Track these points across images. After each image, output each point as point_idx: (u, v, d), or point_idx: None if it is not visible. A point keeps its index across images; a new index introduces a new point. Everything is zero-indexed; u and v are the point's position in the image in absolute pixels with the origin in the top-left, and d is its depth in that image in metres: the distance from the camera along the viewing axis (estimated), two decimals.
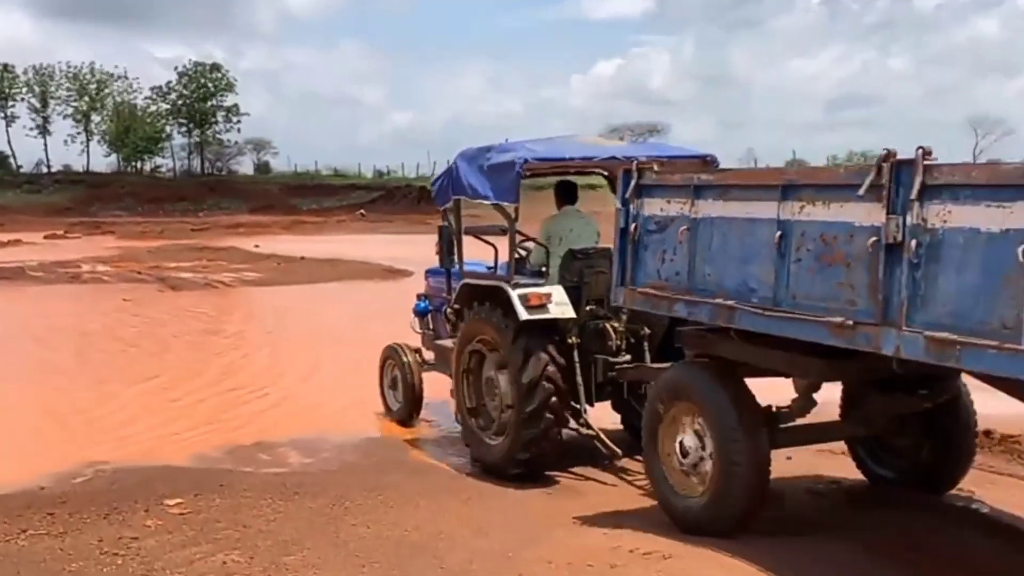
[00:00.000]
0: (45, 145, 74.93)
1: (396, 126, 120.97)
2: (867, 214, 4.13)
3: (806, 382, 5.03)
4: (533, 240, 7.56)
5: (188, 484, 6.71)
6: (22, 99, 74.34)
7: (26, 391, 10.54)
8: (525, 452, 6.72)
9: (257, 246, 32.66)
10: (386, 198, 56.57)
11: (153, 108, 76.47)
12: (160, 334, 14.49)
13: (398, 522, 5.83)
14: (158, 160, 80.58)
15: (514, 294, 6.71)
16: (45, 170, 73.81)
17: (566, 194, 7.63)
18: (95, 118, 75.89)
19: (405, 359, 8.56)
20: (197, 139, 78.01)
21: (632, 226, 5.57)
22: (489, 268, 7.70)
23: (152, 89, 76.44)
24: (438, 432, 8.63)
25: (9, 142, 74.75)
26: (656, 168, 5.65)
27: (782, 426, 5.15)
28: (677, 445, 5.31)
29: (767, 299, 4.64)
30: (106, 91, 75.13)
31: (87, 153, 75.94)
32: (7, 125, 74.48)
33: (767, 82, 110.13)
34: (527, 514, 6.12)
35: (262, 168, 79.54)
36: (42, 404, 9.87)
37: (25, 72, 73.57)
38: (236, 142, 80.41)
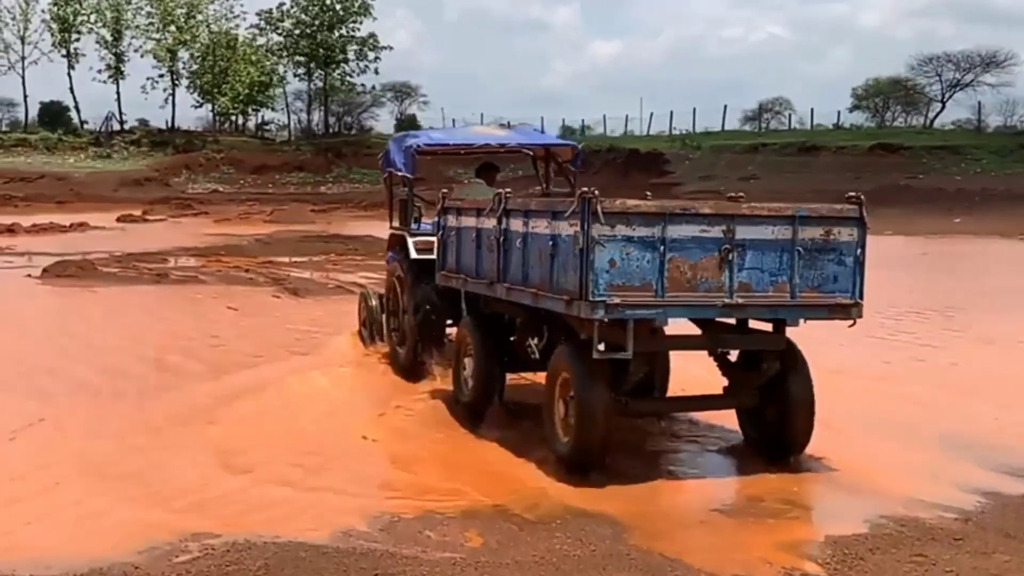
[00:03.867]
0: (118, 93, 78.44)
1: (596, 62, 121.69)
2: (490, 225, 10.75)
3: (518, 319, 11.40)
4: (427, 202, 14.05)
5: (333, 570, 7.11)
6: (89, 30, 77.74)
7: (70, 432, 11.09)
8: (413, 358, 13.40)
9: None
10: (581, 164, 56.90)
11: (261, 41, 79.73)
12: (282, 358, 15.29)
13: None
14: (267, 114, 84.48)
15: (410, 240, 13.54)
16: (117, 127, 77.60)
17: (483, 170, 14.81)
18: (183, 55, 79.22)
19: (372, 303, 15.33)
20: (319, 84, 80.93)
21: (440, 233, 12.30)
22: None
23: (260, 15, 79.74)
24: (662, 508, 8.81)
25: (71, 89, 77.69)
26: (448, 196, 12.43)
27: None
28: (464, 363, 11.78)
29: (474, 272, 11.29)
30: (198, 19, 78.32)
31: (172, 104, 79.17)
32: (69, 66, 77.38)
33: None
34: None
35: (406, 123, 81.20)
36: (99, 454, 10.28)
37: None
38: (373, 87, 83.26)
